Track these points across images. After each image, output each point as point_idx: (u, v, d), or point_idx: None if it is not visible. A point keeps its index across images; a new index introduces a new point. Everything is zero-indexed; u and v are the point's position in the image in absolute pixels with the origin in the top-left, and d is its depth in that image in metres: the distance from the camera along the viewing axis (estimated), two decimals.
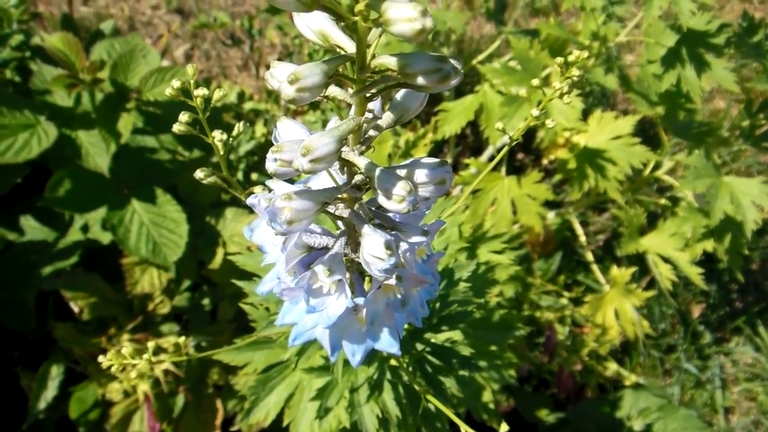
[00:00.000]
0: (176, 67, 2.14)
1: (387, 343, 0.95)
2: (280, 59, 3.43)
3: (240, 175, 2.89)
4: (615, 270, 2.77)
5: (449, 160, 3.25)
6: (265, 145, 3.02)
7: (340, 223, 0.85)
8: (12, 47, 2.36)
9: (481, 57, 3.01)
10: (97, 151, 2.02)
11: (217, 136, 0.99)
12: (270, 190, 0.91)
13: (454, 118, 2.58)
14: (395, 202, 0.68)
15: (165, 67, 2.13)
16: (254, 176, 2.90)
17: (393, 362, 1.30)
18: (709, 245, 2.55)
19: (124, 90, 2.09)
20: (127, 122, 2.02)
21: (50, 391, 2.07)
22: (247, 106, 3.17)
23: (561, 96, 1.03)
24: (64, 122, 2.06)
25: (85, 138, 2.04)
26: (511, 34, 2.67)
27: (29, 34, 2.49)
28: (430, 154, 3.30)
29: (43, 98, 2.10)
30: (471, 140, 3.67)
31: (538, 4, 3.72)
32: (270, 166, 0.68)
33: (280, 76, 0.68)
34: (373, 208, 0.84)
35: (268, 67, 2.72)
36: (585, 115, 2.79)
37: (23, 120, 2.00)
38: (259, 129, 3.10)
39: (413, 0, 0.54)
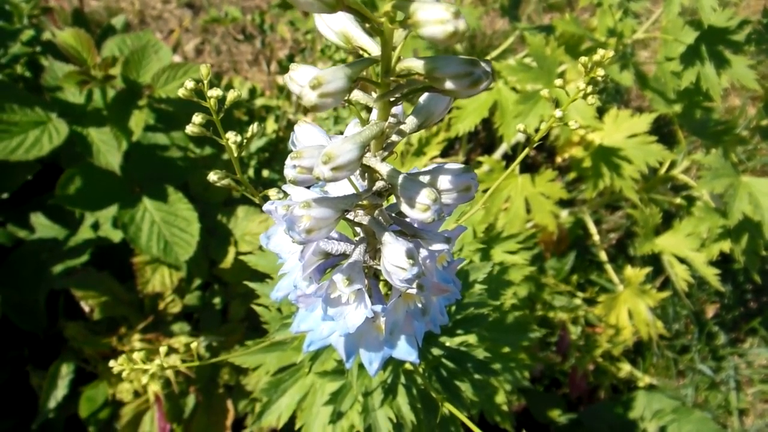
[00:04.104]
0: (188, 64, 2.12)
1: (405, 351, 0.92)
2: (291, 55, 3.40)
3: (251, 172, 2.87)
4: (629, 270, 2.73)
5: (461, 157, 3.22)
6: (277, 142, 3.00)
7: (358, 229, 0.83)
8: (23, 42, 2.34)
9: (495, 53, 2.97)
10: (108, 149, 2.00)
11: (231, 138, 0.97)
12: (286, 195, 0.89)
13: (468, 115, 2.55)
14: (419, 211, 0.65)
15: (177, 63, 2.11)
16: (265, 173, 2.87)
17: (408, 366, 1.28)
18: (725, 245, 2.51)
19: (135, 87, 2.07)
20: (138, 120, 2.00)
21: (60, 390, 2.05)
22: (259, 102, 3.15)
23: (585, 97, 1.00)
24: (75, 119, 2.05)
25: (97, 135, 2.03)
26: (526, 31, 2.64)
27: (40, 29, 2.47)
28: (442, 152, 3.27)
29: (54, 95, 2.08)
30: (483, 137, 3.64)
31: (553, 0, 3.68)
32: (289, 173, 0.66)
33: (300, 79, 0.65)
34: (392, 214, 0.81)
35: (279, 63, 2.68)
36: (600, 112, 2.75)
37: (34, 117, 1.98)
38: (270, 125, 3.07)
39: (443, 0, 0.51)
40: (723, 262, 3.01)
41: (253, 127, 0.98)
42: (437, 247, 0.79)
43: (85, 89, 2.03)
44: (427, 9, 0.49)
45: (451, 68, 0.57)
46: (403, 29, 0.55)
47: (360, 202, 0.74)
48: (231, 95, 0.95)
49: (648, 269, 2.74)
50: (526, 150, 1.05)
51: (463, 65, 0.57)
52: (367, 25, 0.56)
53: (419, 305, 0.83)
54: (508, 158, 3.06)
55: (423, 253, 0.80)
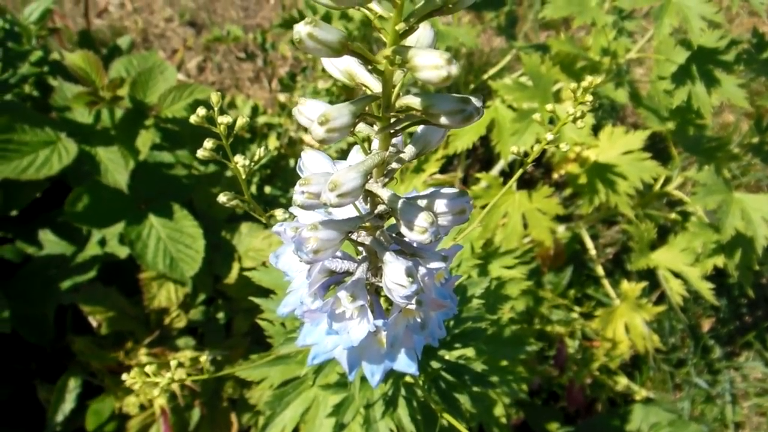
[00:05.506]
0: (194, 85, 2.18)
1: (405, 364, 0.97)
2: (293, 73, 3.47)
3: (254, 189, 2.92)
4: (625, 284, 2.78)
5: (460, 173, 3.27)
6: (278, 159, 3.06)
7: (361, 248, 0.88)
8: (31, 63, 2.40)
9: (492, 72, 3.04)
10: (116, 168, 2.05)
11: (240, 161, 1.02)
12: (292, 216, 0.94)
13: (465, 133, 2.61)
14: (418, 233, 0.70)
15: (182, 84, 2.17)
16: (267, 189, 2.93)
17: (408, 378, 1.32)
18: (719, 260, 2.56)
19: (142, 107, 2.13)
20: (145, 139, 2.06)
21: (68, 404, 2.10)
22: (261, 120, 3.20)
23: (574, 120, 1.05)
24: (83, 139, 2.10)
25: (105, 154, 2.08)
26: (522, 50, 2.70)
27: (47, 49, 2.53)
28: (441, 168, 3.32)
29: (64, 115, 2.14)
30: (481, 153, 3.70)
31: (549, 19, 3.74)
32: (297, 198, 0.71)
33: (309, 113, 0.71)
34: (393, 235, 0.87)
35: (280, 81, 2.73)
36: (595, 129, 2.81)
37: (44, 137, 2.03)
38: (272, 143, 3.13)
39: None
40: (718, 276, 3.06)
41: (260, 151, 1.04)
42: (435, 265, 0.84)
43: (94, 109, 2.09)
44: (423, 55, 0.55)
45: (445, 105, 0.63)
46: (402, 71, 0.61)
47: (363, 224, 0.79)
48: (240, 121, 1.00)
49: (644, 284, 2.79)
50: (520, 171, 1.11)
51: (456, 103, 0.63)
52: (369, 66, 0.61)
53: (418, 320, 0.88)
54: (506, 175, 3.12)
55: (422, 270, 0.85)
